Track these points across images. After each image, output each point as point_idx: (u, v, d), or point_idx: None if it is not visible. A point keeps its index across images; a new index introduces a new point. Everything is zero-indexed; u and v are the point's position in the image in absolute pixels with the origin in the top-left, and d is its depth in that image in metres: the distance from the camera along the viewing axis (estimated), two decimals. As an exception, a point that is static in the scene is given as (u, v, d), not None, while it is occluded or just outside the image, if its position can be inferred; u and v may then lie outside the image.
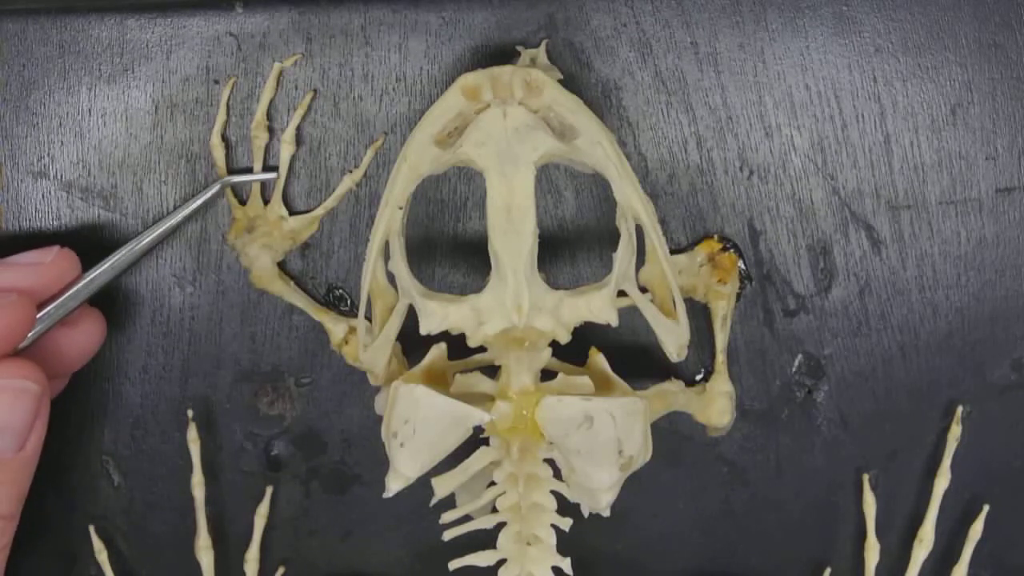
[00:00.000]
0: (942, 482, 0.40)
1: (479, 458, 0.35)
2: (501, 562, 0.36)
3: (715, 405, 0.39)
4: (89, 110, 0.39)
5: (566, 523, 0.36)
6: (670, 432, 0.40)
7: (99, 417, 0.40)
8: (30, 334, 0.34)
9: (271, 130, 0.39)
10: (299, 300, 0.40)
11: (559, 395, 0.34)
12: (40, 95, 0.39)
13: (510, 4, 0.39)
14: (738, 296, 0.39)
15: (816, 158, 0.39)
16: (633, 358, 0.39)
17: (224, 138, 0.39)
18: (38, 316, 0.35)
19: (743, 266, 0.39)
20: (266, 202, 0.39)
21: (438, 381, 0.36)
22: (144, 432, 0.40)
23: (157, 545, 0.41)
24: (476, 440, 0.35)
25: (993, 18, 0.39)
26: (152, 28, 0.39)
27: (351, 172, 0.39)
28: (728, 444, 0.40)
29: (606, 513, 0.35)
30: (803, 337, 0.40)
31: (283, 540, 0.41)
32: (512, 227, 0.34)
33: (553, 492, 0.36)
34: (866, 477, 0.40)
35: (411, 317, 0.35)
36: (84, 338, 0.36)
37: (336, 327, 0.39)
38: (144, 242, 0.38)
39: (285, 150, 0.39)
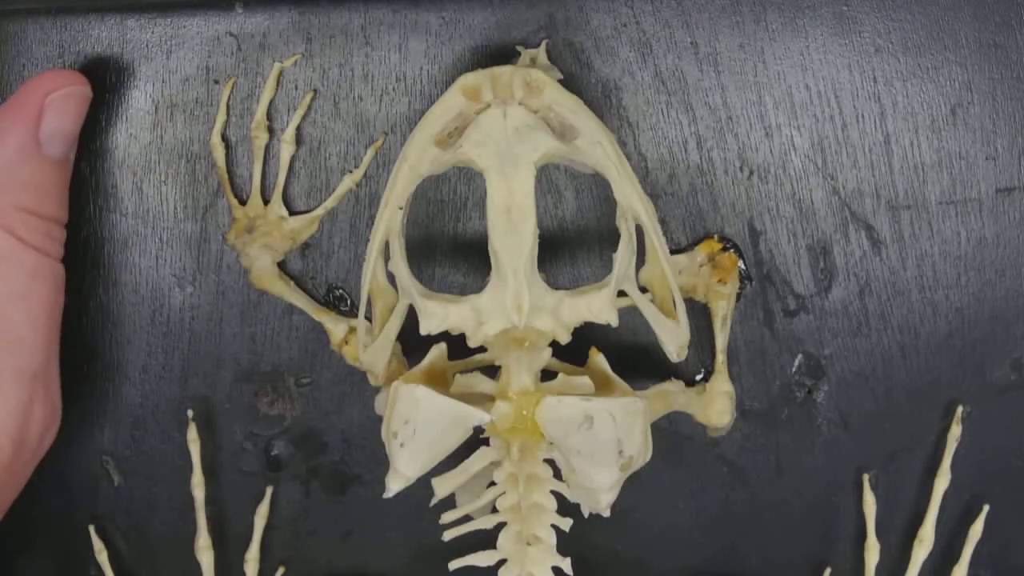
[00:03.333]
0: (942, 482, 0.40)
1: (479, 458, 0.35)
2: (501, 562, 0.36)
3: (715, 405, 0.39)
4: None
5: (566, 523, 0.36)
6: (670, 432, 0.40)
7: (99, 417, 0.40)
8: None
9: (271, 130, 0.39)
10: (299, 300, 0.40)
11: (559, 395, 0.34)
12: (40, 95, 0.39)
13: (510, 4, 0.39)
14: (738, 296, 0.39)
15: (816, 158, 0.39)
16: (633, 358, 0.39)
17: (224, 138, 0.39)
18: None
19: (743, 266, 0.39)
20: (266, 202, 0.39)
21: (438, 381, 0.36)
22: (144, 432, 0.40)
23: (157, 545, 0.41)
24: (476, 440, 0.35)
25: (993, 18, 0.39)
26: (152, 28, 0.39)
27: (351, 172, 0.39)
28: (728, 444, 0.40)
29: (606, 513, 0.35)
30: (803, 337, 0.40)
31: (283, 540, 0.41)
32: (512, 227, 0.34)
33: (553, 492, 0.36)
34: (866, 477, 0.40)
35: (411, 317, 0.35)
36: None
37: (336, 327, 0.39)
38: None
39: (285, 150, 0.39)
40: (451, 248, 0.40)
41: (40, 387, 0.35)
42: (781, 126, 0.39)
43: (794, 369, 0.40)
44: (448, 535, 0.36)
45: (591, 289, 0.35)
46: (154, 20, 0.39)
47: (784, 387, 0.40)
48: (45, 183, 0.36)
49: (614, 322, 0.35)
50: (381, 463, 0.35)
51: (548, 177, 0.39)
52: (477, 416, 0.34)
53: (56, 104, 0.35)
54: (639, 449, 0.35)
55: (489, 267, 0.34)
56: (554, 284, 0.35)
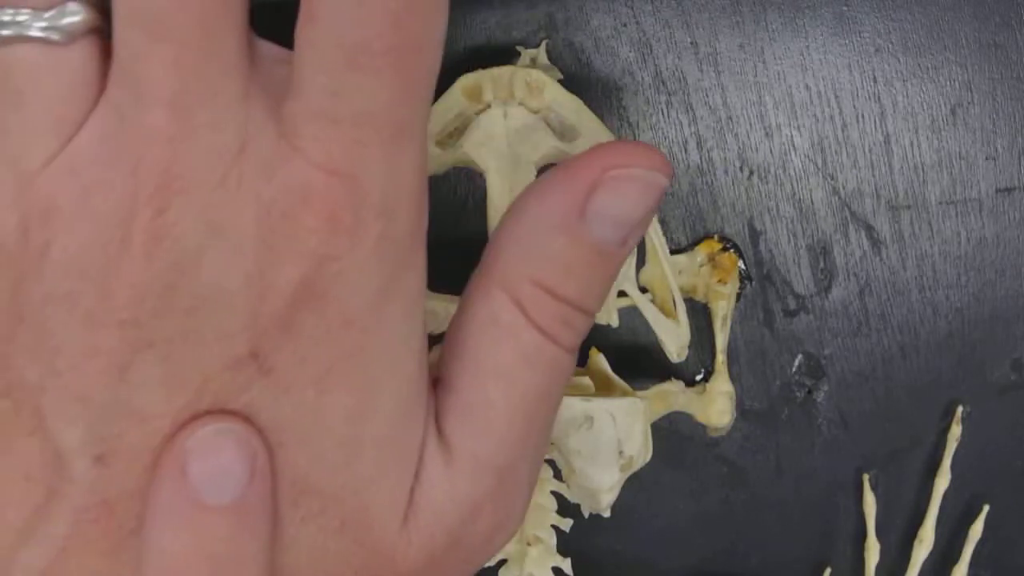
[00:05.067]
0: (942, 482, 0.40)
1: (479, 458, 0.35)
2: (501, 562, 0.36)
3: (715, 405, 0.39)
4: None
5: (566, 523, 0.36)
6: (670, 432, 0.40)
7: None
8: None
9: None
10: (299, 300, 0.39)
11: (559, 395, 0.34)
12: (40, 95, 0.39)
13: (510, 4, 0.39)
14: (738, 296, 0.39)
15: (816, 158, 0.39)
16: (633, 358, 0.39)
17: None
18: None
19: (743, 266, 0.39)
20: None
21: (438, 381, 0.36)
22: (144, 432, 0.40)
23: (157, 545, 0.41)
24: (476, 440, 0.35)
25: (993, 18, 0.39)
26: (152, 28, 0.39)
27: (351, 172, 0.39)
28: (728, 444, 0.40)
29: (606, 513, 0.35)
30: (803, 337, 0.40)
31: (283, 540, 0.41)
32: (512, 227, 0.34)
33: (553, 492, 0.36)
34: (866, 477, 0.40)
35: (411, 317, 0.35)
36: None
37: (336, 327, 0.39)
38: None
39: (285, 150, 0.39)
40: (451, 248, 0.40)
41: (497, 484, 0.29)
42: (781, 126, 0.39)
43: (794, 369, 0.40)
44: (448, 535, 0.36)
45: (591, 289, 0.35)
46: (154, 20, 0.39)
47: (784, 387, 0.40)
48: (577, 264, 0.29)
49: (614, 322, 0.35)
50: (381, 463, 0.35)
51: (548, 177, 0.39)
52: (477, 416, 0.34)
53: (615, 183, 0.28)
54: (639, 449, 0.35)
55: (489, 267, 0.34)
56: (554, 284, 0.35)
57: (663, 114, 0.39)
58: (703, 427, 0.39)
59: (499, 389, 0.29)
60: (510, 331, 0.29)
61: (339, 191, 0.25)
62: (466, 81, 0.34)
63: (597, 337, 0.37)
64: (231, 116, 0.25)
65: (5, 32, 0.25)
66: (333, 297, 0.26)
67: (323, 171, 0.25)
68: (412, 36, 0.25)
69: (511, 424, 0.29)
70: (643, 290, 0.37)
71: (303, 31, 0.25)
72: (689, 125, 0.39)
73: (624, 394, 0.35)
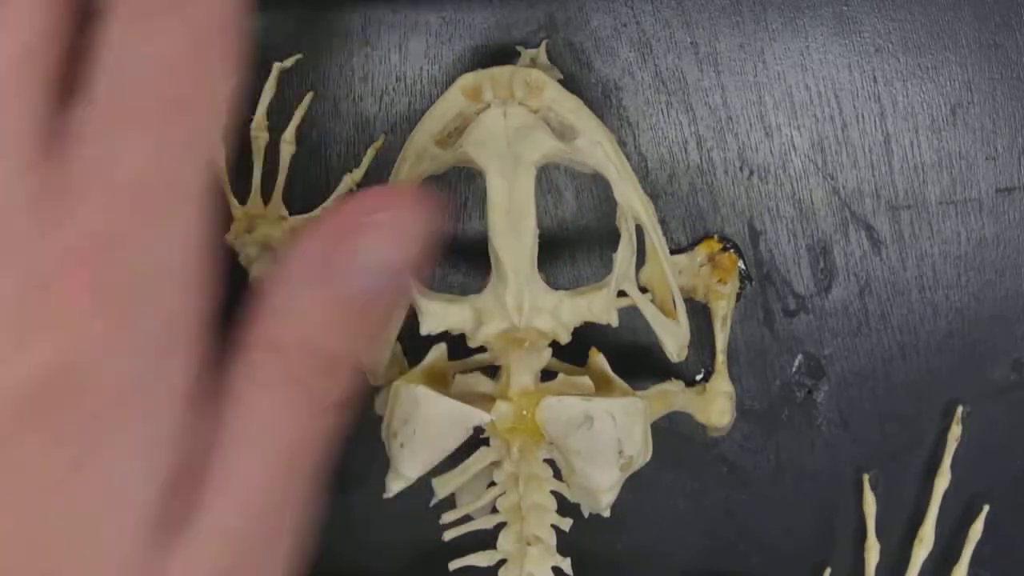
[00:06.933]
0: (942, 482, 0.40)
1: (479, 458, 0.35)
2: (501, 562, 0.36)
3: (715, 405, 0.39)
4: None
5: (566, 523, 0.36)
6: (670, 432, 0.40)
7: (99, 417, 0.40)
8: None
9: (271, 130, 0.39)
10: (299, 300, 0.39)
11: (559, 395, 0.34)
12: (40, 95, 0.39)
13: (510, 4, 0.39)
14: (738, 296, 0.39)
15: (816, 158, 0.39)
16: (633, 358, 0.39)
17: (224, 138, 0.39)
18: None
19: (743, 266, 0.39)
20: (266, 202, 0.39)
21: (438, 381, 0.36)
22: (144, 432, 0.40)
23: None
24: (476, 440, 0.35)
25: (993, 18, 0.39)
26: (152, 28, 0.39)
27: (351, 172, 0.39)
28: (728, 444, 0.40)
29: (606, 513, 0.35)
30: (803, 337, 0.40)
31: (283, 540, 0.41)
32: (512, 227, 0.34)
33: (553, 492, 0.36)
34: (866, 477, 0.40)
35: (411, 317, 0.35)
36: None
37: (336, 327, 0.39)
38: None
39: (285, 150, 0.39)
40: (451, 248, 0.40)
41: (246, 552, 0.27)
42: (781, 126, 0.39)
43: (794, 369, 0.40)
44: (448, 535, 0.36)
45: (591, 289, 0.35)
46: (154, 20, 0.39)
47: (784, 387, 0.40)
48: (334, 317, 0.27)
49: (614, 322, 0.35)
50: (381, 463, 0.35)
51: (548, 177, 0.39)
52: (477, 416, 0.34)
53: (366, 231, 0.27)
54: (639, 449, 0.35)
55: (489, 267, 0.34)
56: (554, 284, 0.35)
57: (663, 114, 0.39)
58: (703, 427, 0.39)
59: (255, 451, 0.27)
60: (267, 387, 0.27)
61: (96, 263, 0.23)
62: (466, 81, 0.34)
63: (597, 337, 0.37)
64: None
65: None
66: (74, 386, 0.23)
67: (87, 239, 0.23)
68: (184, 93, 0.24)
69: (266, 486, 0.27)
70: (643, 290, 0.37)
71: (87, 84, 0.24)
72: (689, 125, 0.39)
73: (624, 394, 0.35)
